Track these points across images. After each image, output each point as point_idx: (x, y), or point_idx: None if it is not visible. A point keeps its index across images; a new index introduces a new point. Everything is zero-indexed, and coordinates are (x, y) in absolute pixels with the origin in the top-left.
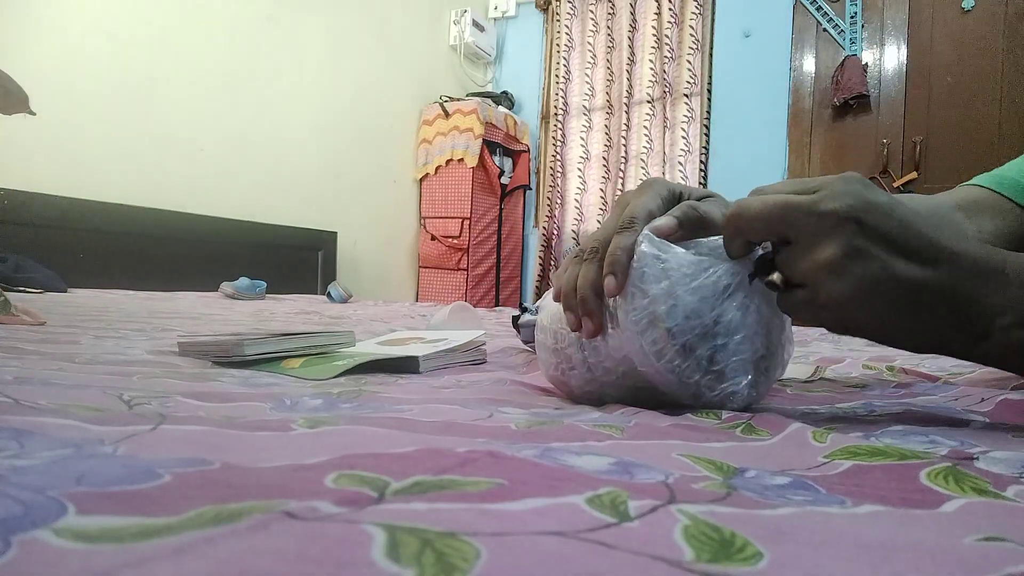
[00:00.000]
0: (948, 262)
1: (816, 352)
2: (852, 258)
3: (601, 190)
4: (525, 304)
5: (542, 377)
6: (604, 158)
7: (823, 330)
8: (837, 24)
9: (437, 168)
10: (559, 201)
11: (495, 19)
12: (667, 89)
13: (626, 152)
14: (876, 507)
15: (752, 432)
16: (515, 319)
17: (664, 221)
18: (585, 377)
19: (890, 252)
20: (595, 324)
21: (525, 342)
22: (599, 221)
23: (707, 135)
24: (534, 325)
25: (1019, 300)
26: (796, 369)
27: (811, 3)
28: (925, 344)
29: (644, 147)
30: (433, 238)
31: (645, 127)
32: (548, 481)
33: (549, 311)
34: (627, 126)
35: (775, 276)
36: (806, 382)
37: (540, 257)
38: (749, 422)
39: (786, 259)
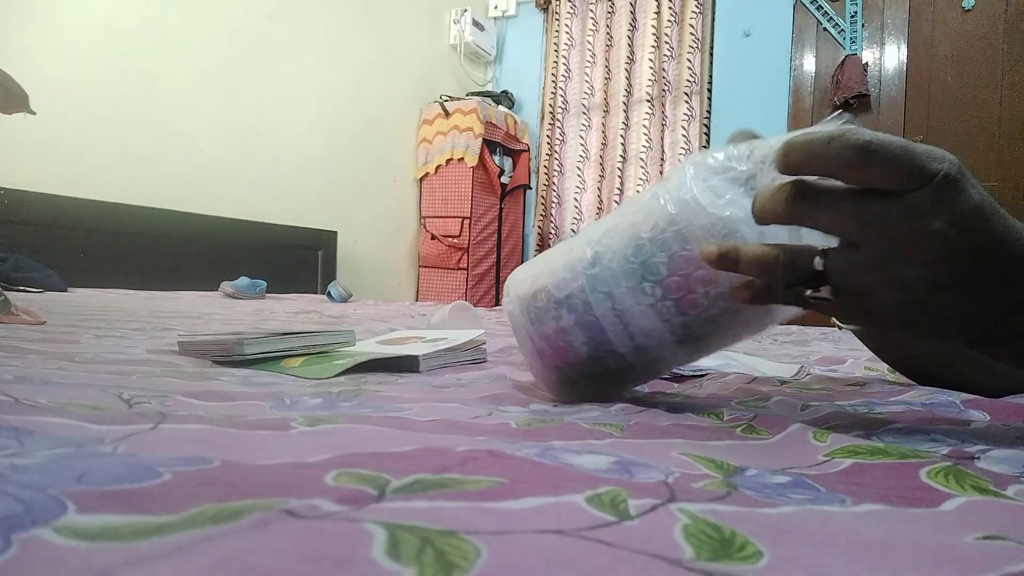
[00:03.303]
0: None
1: (817, 352)
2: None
3: (598, 189)
4: None
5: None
6: (602, 157)
7: (824, 329)
8: (837, 23)
9: (437, 167)
10: (556, 200)
11: (495, 18)
12: (667, 88)
13: (625, 151)
14: (876, 506)
15: (752, 432)
16: None
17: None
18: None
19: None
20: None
21: None
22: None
23: (707, 134)
24: None
25: None
26: (782, 368)
27: (811, 2)
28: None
29: (644, 146)
30: (433, 237)
31: (644, 126)
32: (548, 480)
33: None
34: (626, 125)
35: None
36: (793, 378)
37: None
38: (750, 422)
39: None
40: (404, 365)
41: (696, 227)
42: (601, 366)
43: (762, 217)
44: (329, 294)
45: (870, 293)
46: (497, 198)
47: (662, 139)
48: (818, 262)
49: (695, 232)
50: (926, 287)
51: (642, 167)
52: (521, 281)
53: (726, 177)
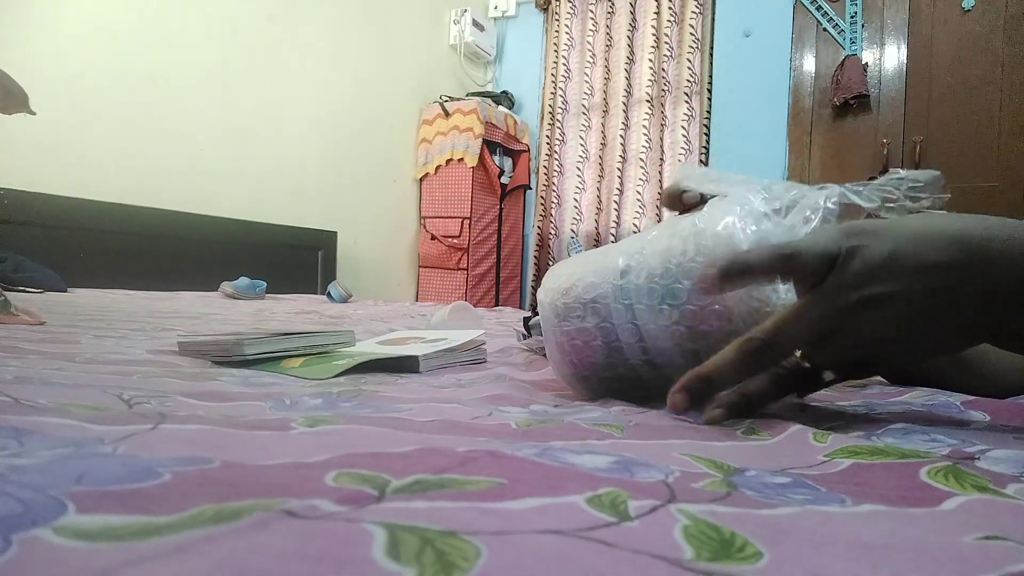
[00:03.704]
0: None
1: None
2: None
3: (598, 189)
4: (538, 308)
5: (541, 375)
6: (602, 157)
7: None
8: (837, 24)
9: (437, 168)
10: (556, 200)
11: (495, 19)
12: (667, 88)
13: (625, 151)
14: (876, 506)
15: (753, 432)
16: (527, 320)
17: None
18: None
19: (899, 279)
20: None
21: (531, 341)
22: (596, 221)
23: (707, 134)
24: None
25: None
26: None
27: (811, 3)
28: (954, 340)
29: (643, 146)
30: (433, 238)
31: (644, 126)
32: (548, 480)
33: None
34: (626, 125)
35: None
36: None
37: (536, 257)
38: (750, 424)
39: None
40: (404, 365)
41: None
42: (613, 371)
43: (723, 378)
44: (329, 294)
45: (861, 357)
46: (497, 198)
47: (662, 139)
48: (804, 362)
49: None
50: (901, 330)
51: (642, 167)
52: (557, 276)
53: (767, 225)
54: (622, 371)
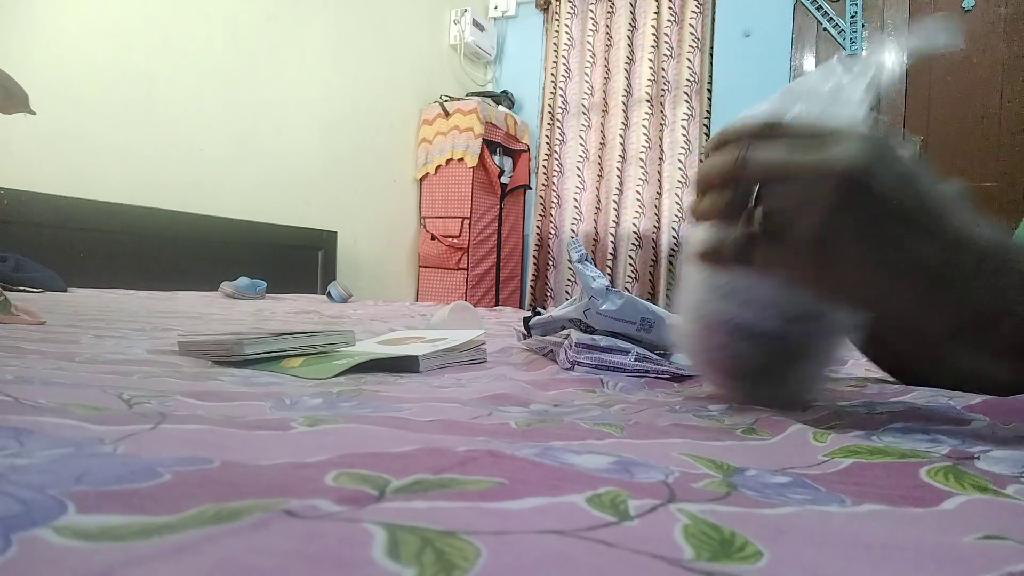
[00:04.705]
0: (949, 246)
1: None
2: (850, 214)
3: (597, 189)
4: (538, 308)
5: (541, 375)
6: (601, 157)
7: None
8: (837, 24)
9: (437, 168)
10: (556, 200)
11: (495, 19)
12: (666, 88)
13: (624, 151)
14: (876, 506)
15: (753, 432)
16: (527, 320)
17: None
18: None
19: (888, 218)
20: None
21: (531, 341)
22: (596, 220)
23: (707, 134)
24: (545, 323)
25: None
26: None
27: (811, 2)
28: (892, 311)
29: (643, 146)
30: (433, 238)
31: (644, 126)
32: (548, 480)
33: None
34: (626, 125)
35: (757, 212)
36: None
37: (535, 257)
38: (750, 422)
39: (776, 195)
40: (404, 365)
41: None
42: (760, 353)
43: (711, 179)
44: (329, 294)
45: (791, 225)
46: (497, 198)
47: (661, 139)
48: (756, 189)
49: None
50: (833, 229)
51: (641, 167)
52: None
53: None
54: (763, 348)
